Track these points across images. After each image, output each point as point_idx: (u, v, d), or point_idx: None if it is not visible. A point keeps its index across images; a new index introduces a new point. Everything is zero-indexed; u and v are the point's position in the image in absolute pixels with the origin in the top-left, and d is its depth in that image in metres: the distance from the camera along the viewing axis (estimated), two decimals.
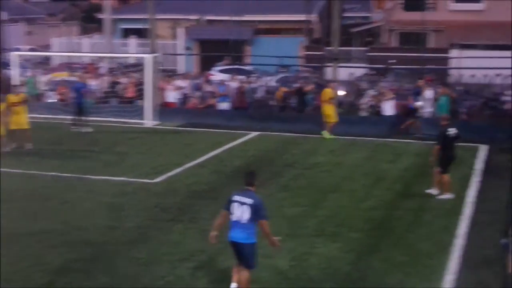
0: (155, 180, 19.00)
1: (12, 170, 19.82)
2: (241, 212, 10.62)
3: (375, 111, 27.91)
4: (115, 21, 55.00)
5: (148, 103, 28.03)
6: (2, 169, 19.50)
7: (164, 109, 29.04)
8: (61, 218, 15.53)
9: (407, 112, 26.19)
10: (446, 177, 17.17)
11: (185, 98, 30.37)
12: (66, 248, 13.54)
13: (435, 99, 26.50)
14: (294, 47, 46.60)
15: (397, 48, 47.97)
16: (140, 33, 49.43)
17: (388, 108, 27.01)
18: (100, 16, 55.43)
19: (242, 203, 10.62)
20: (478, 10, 48.19)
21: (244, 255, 10.78)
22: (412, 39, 49.02)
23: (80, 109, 26.72)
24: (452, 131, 17.19)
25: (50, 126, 27.20)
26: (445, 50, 44.29)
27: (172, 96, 30.15)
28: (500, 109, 25.98)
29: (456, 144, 17.58)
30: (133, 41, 52.84)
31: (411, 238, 14.23)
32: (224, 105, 29.39)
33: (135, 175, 19.55)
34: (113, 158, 21.94)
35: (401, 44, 49.91)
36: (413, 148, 23.44)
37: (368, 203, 16.79)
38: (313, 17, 51.47)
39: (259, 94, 31.04)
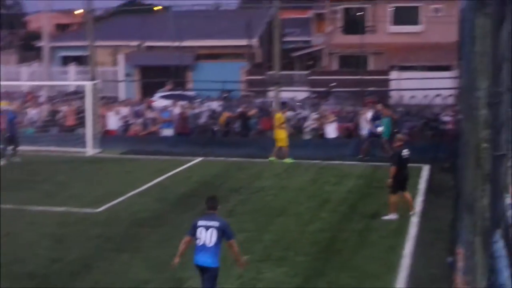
0: (98, 210, 18.66)
1: None
2: (208, 236, 10.83)
3: (318, 133, 28.04)
4: (54, 49, 54.33)
5: (89, 131, 27.64)
6: None
7: (105, 137, 28.72)
8: (3, 250, 15.10)
9: (367, 136, 26.00)
10: (407, 194, 17.29)
11: (127, 125, 30.05)
12: (8, 281, 13.20)
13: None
14: (235, 72, 46.70)
15: (337, 71, 48.47)
16: (79, 60, 48.92)
17: (331, 130, 27.16)
18: (38, 44, 54.69)
19: (208, 227, 10.84)
20: (416, 32, 49.09)
21: (210, 278, 10.96)
22: (352, 62, 49.65)
23: (10, 139, 26.15)
24: (406, 152, 17.27)
25: None
26: (385, 72, 44.94)
27: (113, 123, 29.82)
28: (440, 129, 26.36)
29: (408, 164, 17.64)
30: (72, 68, 52.23)
31: (358, 259, 14.22)
32: (167, 131, 29.17)
33: (77, 205, 19.18)
34: (54, 188, 21.50)
35: (341, 67, 50.47)
36: (356, 170, 23.57)
37: (314, 226, 16.76)
38: (254, 41, 51.69)
39: (202, 119, 30.93)
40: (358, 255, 14.49)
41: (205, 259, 10.88)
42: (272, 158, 25.19)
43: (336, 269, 13.64)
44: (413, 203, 17.53)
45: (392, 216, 17.10)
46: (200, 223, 10.95)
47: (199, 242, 10.88)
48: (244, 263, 11.47)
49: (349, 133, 28.06)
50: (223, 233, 10.89)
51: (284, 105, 26.97)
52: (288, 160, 24.93)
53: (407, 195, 17.38)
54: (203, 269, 10.97)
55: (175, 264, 11.24)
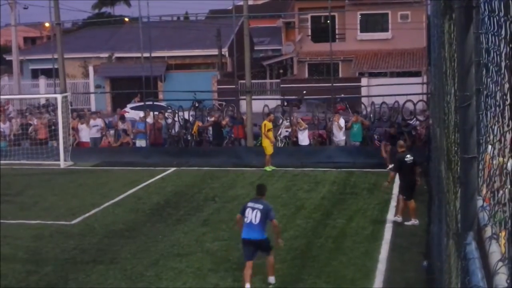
0: (72, 222, 18.59)
1: None
2: (253, 215, 12.89)
3: (291, 141, 28.17)
4: (24, 62, 54.05)
5: (61, 144, 27.50)
6: None
7: (78, 149, 28.58)
8: None
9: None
10: (412, 203, 17.19)
11: (99, 137, 29.93)
12: None
13: (348, 127, 26.99)
14: (207, 82, 46.80)
15: (308, 79, 48.79)
16: (49, 73, 48.66)
17: (304, 137, 27.31)
18: (8, 57, 54.31)
19: (254, 208, 12.95)
20: (385, 39, 49.56)
21: (263, 247, 13.08)
22: (322, 69, 49.99)
23: None
24: (409, 157, 17.31)
25: None
26: (354, 79, 45.32)
27: (85, 135, 29.68)
28: (411, 134, 26.61)
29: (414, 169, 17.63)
30: (42, 81, 51.98)
31: (334, 265, 14.32)
32: (140, 142, 29.12)
33: (51, 217, 19.09)
34: (28, 201, 21.39)
35: (311, 74, 50.78)
36: (330, 176, 23.72)
37: (289, 233, 16.81)
38: (224, 51, 51.83)
39: (175, 129, 30.90)
40: (334, 261, 14.60)
41: (251, 234, 12.91)
42: (269, 168, 24.99)
43: (313, 275, 13.73)
44: (416, 212, 17.35)
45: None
46: (249, 204, 13.10)
47: (247, 220, 12.92)
48: (281, 242, 13.40)
49: (322, 140, 28.22)
50: (266, 215, 12.86)
51: (268, 113, 26.80)
52: (268, 168, 24.85)
53: (411, 203, 17.24)
54: (249, 242, 12.97)
55: (236, 229, 14.14)
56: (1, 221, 18.75)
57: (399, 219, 17.22)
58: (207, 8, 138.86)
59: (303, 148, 27.21)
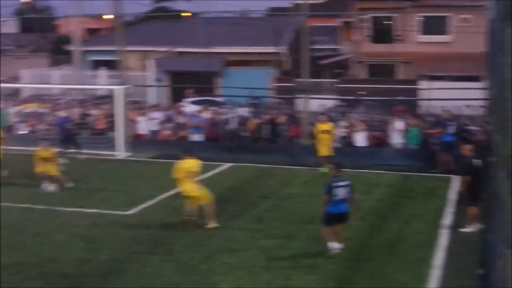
0: (128, 212, 18.86)
1: None
2: (343, 191, 14.76)
3: (347, 142, 28.04)
4: (85, 53, 54.87)
5: (119, 135, 27.87)
6: None
7: (136, 141, 28.91)
8: (35, 250, 15.37)
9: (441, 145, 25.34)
10: (473, 209, 16.88)
11: (157, 129, 30.25)
12: (40, 281, 13.44)
13: (406, 131, 26.75)
14: (264, 79, 46.85)
15: (366, 79, 48.49)
16: (109, 65, 49.35)
17: (360, 139, 27.16)
18: (69, 48, 55.25)
19: (343, 186, 14.79)
20: (445, 41, 48.97)
21: (346, 218, 15.08)
22: (380, 70, 49.63)
23: (66, 142, 27.17)
24: (477, 161, 16.93)
25: (21, 158, 26.87)
26: (413, 82, 44.86)
27: (143, 127, 30.03)
28: (469, 140, 26.21)
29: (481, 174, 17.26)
30: (102, 72, 52.72)
31: (388, 269, 14.23)
32: (197, 137, 29.33)
33: (108, 207, 19.39)
34: (86, 190, 21.74)
35: (370, 75, 50.46)
36: (386, 179, 23.54)
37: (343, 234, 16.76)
38: (283, 49, 51.84)
39: (232, 125, 31.05)
40: (388, 264, 14.50)
41: (342, 208, 14.79)
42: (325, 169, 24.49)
43: (367, 278, 13.68)
44: (475, 219, 16.93)
45: (470, 228, 16.90)
46: (336, 184, 14.80)
47: (338, 197, 14.71)
48: (357, 212, 15.55)
49: (379, 142, 28.03)
50: (350, 190, 14.92)
51: (323, 114, 26.48)
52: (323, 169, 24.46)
53: (473, 209, 16.93)
54: (340, 216, 14.84)
55: (322, 210, 14.99)
56: (60, 208, 19.17)
57: (472, 228, 16.88)
58: (267, 5, 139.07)
59: (359, 149, 27.05)
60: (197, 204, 17.39)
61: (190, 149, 18.25)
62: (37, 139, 24.72)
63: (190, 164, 17.34)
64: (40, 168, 21.72)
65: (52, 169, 21.69)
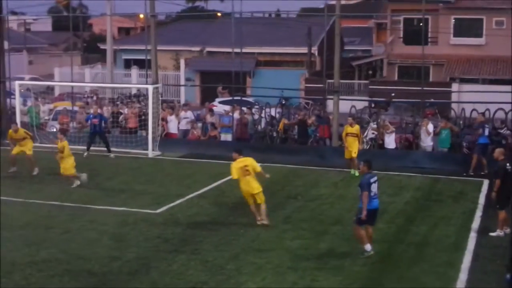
0: (156, 211, 18.96)
1: (14, 199, 19.85)
2: (376, 187, 15.07)
3: (377, 144, 27.93)
4: (117, 52, 55.31)
5: (150, 134, 28.04)
6: (3, 198, 19.56)
7: (166, 140, 29.05)
8: (63, 247, 15.51)
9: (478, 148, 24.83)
10: (503, 213, 16.74)
11: (188, 129, 30.36)
12: (68, 278, 13.56)
13: (437, 133, 26.56)
14: (294, 79, 46.85)
15: (397, 81, 48.21)
16: (141, 64, 49.66)
17: (390, 141, 27.01)
18: (102, 46, 55.71)
19: (375, 182, 15.07)
20: (478, 44, 48.55)
21: (376, 215, 15.42)
22: (412, 72, 49.32)
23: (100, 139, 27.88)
24: (510, 166, 16.80)
25: (52, 156, 27.18)
26: (445, 84, 44.54)
27: (173, 127, 30.17)
28: (501, 143, 25.97)
29: None
30: (134, 71, 53.08)
31: (415, 272, 14.15)
32: (226, 136, 29.40)
33: (136, 205, 19.52)
34: (115, 188, 21.92)
35: (401, 77, 50.18)
36: (414, 182, 23.38)
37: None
38: (314, 50, 51.78)
39: (261, 125, 31.08)
40: (415, 267, 14.42)
41: (377, 204, 15.18)
42: (355, 172, 24.17)
43: (393, 280, 13.62)
44: (505, 223, 16.85)
45: (499, 233, 16.72)
46: (372, 180, 14.99)
47: (375, 193, 15.00)
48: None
49: (409, 144, 27.87)
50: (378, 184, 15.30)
51: (350, 117, 26.34)
52: (352, 172, 24.35)
53: (502, 213, 16.76)
54: (375, 212, 15.14)
55: (364, 216, 14.75)
56: (89, 206, 19.35)
57: (501, 233, 16.71)
58: (298, 6, 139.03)
59: (389, 151, 26.88)
60: (256, 201, 17.57)
61: (240, 149, 18.44)
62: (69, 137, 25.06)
63: (247, 162, 17.64)
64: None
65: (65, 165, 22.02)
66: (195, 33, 55.81)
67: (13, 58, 39.75)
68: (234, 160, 17.89)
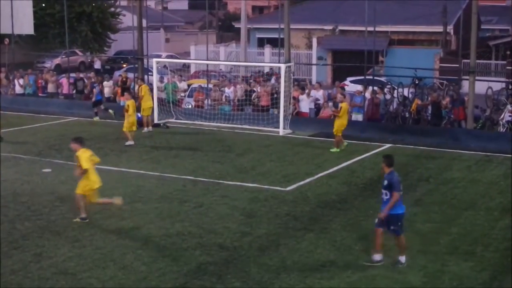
0: (286, 189, 19.17)
1: (149, 173, 20.62)
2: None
3: None
4: (251, 30, 55.92)
5: (281, 112, 28.28)
6: (140, 171, 20.40)
7: (297, 118, 29.22)
8: (196, 221, 15.99)
9: None
10: None
11: (318, 108, 30.42)
12: (199, 251, 13.94)
13: None
14: (429, 59, 45.83)
15: None
16: (274, 43, 50.03)
17: None
18: (236, 25, 56.47)
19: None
20: None
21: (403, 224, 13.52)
22: None
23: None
24: None
25: (188, 132, 27.99)
26: None
27: (305, 105, 30.29)
28: None
29: None
30: (267, 50, 53.54)
31: None
32: (357, 116, 29.24)
33: (267, 182, 19.81)
34: (247, 165, 22.31)
35: None
36: None
37: (504, 222, 16.26)
38: (449, 28, 50.45)
39: (393, 105, 30.68)
40: None
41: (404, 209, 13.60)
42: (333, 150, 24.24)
43: None
44: None
45: None
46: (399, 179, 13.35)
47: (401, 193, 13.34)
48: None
49: None
50: None
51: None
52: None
53: None
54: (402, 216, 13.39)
55: (382, 217, 13.26)
56: (222, 181, 19.81)
57: None
58: None
59: None
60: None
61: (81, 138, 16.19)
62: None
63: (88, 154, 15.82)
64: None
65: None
66: (327, 12, 55.57)
67: (151, 36, 41.06)
68: (74, 150, 15.81)
